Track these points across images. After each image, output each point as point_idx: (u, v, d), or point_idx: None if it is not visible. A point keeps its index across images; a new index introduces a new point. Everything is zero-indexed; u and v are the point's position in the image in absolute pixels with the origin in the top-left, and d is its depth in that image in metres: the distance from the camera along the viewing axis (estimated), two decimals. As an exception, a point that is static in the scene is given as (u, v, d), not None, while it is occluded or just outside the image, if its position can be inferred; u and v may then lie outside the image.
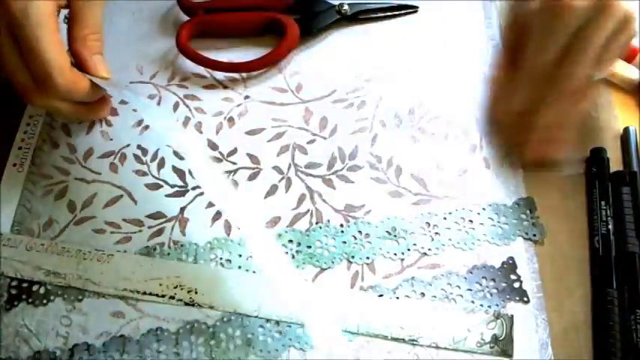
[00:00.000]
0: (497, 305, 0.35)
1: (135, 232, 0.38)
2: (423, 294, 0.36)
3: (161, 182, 0.40)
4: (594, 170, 0.40)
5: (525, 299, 0.36)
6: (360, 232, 0.38)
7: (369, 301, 0.35)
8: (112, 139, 0.42)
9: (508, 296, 0.36)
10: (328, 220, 0.38)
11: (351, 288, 0.36)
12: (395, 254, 0.37)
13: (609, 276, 0.36)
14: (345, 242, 0.37)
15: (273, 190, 0.39)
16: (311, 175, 0.40)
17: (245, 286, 0.36)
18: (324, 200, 0.39)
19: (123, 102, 0.43)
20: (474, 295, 0.36)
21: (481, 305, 0.35)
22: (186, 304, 0.35)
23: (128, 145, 0.41)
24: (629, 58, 0.44)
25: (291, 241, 0.37)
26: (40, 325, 0.35)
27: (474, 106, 0.42)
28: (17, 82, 0.35)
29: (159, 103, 0.43)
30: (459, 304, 0.35)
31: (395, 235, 0.37)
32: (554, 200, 0.39)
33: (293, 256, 0.37)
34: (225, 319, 0.35)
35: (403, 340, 0.34)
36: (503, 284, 0.36)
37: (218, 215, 0.38)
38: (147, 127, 0.42)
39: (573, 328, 0.35)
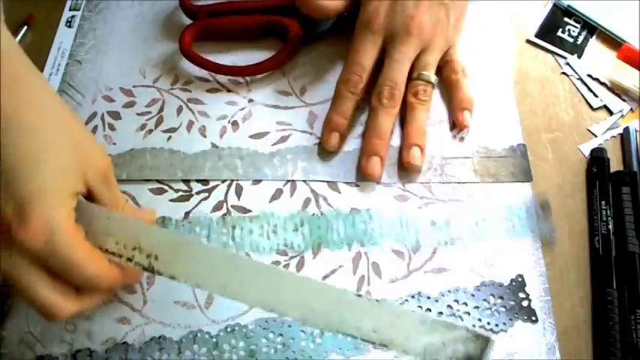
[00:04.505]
0: (505, 324, 0.35)
1: (139, 237, 0.38)
2: (429, 310, 0.35)
3: (165, 187, 0.40)
4: (594, 170, 0.40)
5: (534, 318, 0.35)
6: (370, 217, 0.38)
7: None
8: (115, 143, 0.41)
9: (516, 314, 0.35)
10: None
11: (357, 291, 0.36)
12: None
13: (609, 276, 0.36)
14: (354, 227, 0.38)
15: (278, 194, 0.39)
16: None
17: (215, 262, 0.30)
18: (329, 204, 0.39)
19: (126, 105, 0.43)
20: (481, 312, 0.35)
21: (488, 323, 0.35)
22: (145, 269, 0.30)
23: (131, 150, 0.41)
24: (628, 60, 0.44)
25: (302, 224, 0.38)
26: (45, 332, 0.35)
27: (478, 110, 0.42)
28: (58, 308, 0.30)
29: (162, 108, 0.43)
30: (466, 322, 0.35)
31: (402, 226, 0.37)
32: (554, 200, 0.39)
33: (303, 235, 0.37)
34: (228, 330, 0.35)
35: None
36: (512, 302, 0.36)
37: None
38: (150, 130, 0.42)
39: (573, 328, 0.35)
